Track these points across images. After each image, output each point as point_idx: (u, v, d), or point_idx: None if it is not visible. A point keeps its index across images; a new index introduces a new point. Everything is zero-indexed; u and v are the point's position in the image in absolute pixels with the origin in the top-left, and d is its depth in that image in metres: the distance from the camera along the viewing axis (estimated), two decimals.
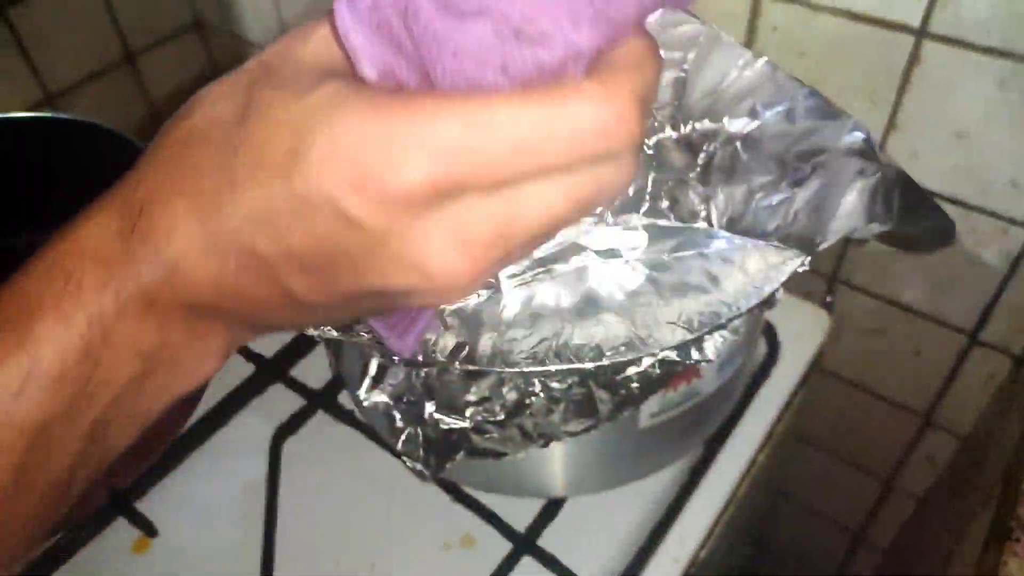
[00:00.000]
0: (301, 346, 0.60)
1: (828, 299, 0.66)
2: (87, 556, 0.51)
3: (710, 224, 0.39)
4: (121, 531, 0.52)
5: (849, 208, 0.37)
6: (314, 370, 0.59)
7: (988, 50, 0.48)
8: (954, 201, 0.56)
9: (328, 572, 0.50)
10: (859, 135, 0.37)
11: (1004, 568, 0.35)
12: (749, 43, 0.56)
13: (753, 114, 0.38)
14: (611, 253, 0.39)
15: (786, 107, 0.38)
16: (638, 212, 0.39)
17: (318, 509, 0.53)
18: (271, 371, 0.59)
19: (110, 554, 0.51)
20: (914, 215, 0.41)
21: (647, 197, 0.39)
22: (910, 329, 0.65)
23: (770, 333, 0.59)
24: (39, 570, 0.49)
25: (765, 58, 0.38)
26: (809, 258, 0.38)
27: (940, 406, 0.68)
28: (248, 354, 0.60)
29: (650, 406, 0.43)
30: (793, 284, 0.66)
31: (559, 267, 0.39)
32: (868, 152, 0.37)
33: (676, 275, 0.38)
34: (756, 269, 0.39)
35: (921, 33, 0.50)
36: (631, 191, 0.39)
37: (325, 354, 0.60)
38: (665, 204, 0.39)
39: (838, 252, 0.64)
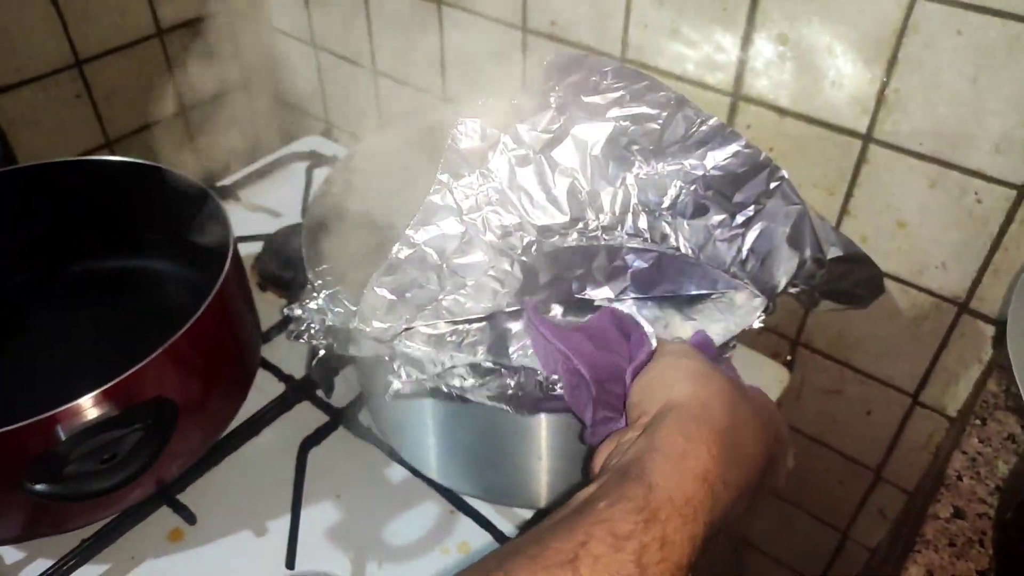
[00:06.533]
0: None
1: (788, 358, 0.74)
2: (130, 539, 0.58)
3: (678, 250, 0.49)
4: (161, 520, 0.59)
5: (789, 250, 0.47)
6: (337, 390, 0.67)
7: (920, 155, 0.59)
8: (897, 279, 0.65)
9: (342, 567, 0.57)
10: (781, 179, 0.49)
11: (906, 573, 0.43)
12: None
13: (707, 159, 0.49)
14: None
15: (731, 154, 0.49)
16: (622, 229, 0.49)
17: (336, 511, 0.60)
18: (299, 390, 0.67)
19: (149, 540, 0.59)
20: (845, 264, 0.51)
21: (629, 219, 0.49)
22: (862, 390, 0.73)
23: None
24: (88, 551, 0.56)
25: (716, 117, 0.49)
26: (768, 303, 0.48)
27: (889, 462, 0.76)
28: (279, 375, 0.69)
29: None
30: (761, 344, 0.75)
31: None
32: (789, 193, 0.48)
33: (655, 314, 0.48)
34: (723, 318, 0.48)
35: (867, 138, 0.60)
36: (617, 211, 0.49)
37: (346, 377, 0.68)
38: (643, 225, 0.49)
39: (800, 317, 0.74)
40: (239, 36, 1.07)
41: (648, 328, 0.44)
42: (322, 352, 0.52)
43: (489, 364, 0.46)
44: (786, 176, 0.49)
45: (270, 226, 0.84)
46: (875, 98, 0.58)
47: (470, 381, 0.46)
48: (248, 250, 0.82)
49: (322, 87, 1.02)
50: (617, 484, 0.35)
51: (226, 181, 0.91)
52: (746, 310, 0.49)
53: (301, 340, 0.51)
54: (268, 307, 0.76)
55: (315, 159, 0.92)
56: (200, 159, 1.11)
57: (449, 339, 0.47)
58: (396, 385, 0.46)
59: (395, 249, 0.47)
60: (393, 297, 0.46)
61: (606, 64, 0.52)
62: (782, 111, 0.63)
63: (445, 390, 0.46)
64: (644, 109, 0.51)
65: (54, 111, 0.93)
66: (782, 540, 0.92)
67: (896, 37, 0.55)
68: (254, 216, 0.88)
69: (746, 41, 0.62)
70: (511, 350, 0.46)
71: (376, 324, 0.46)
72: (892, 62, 0.56)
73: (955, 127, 0.56)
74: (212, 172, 1.13)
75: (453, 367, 0.46)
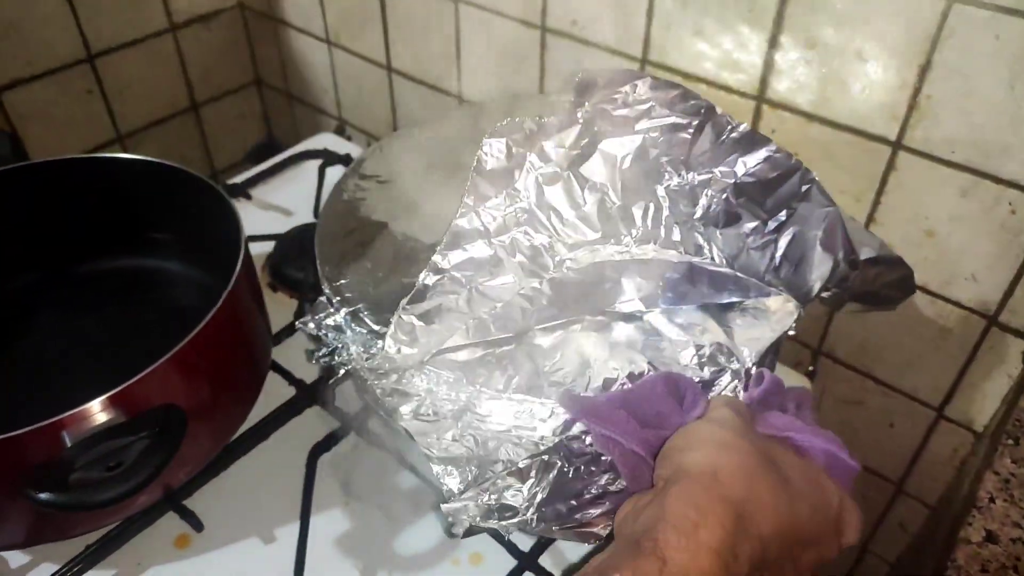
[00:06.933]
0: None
1: (811, 368, 0.73)
2: (136, 545, 0.57)
3: (713, 260, 0.47)
4: (167, 526, 0.58)
5: (821, 254, 0.45)
6: (348, 396, 0.66)
7: (952, 164, 0.57)
8: (924, 290, 0.63)
9: None
10: (812, 181, 0.47)
11: None
12: None
13: (738, 166, 0.48)
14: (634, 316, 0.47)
15: (762, 159, 0.48)
16: (656, 243, 0.47)
17: (345, 519, 0.59)
18: (310, 396, 0.66)
19: (155, 547, 0.58)
20: (877, 266, 0.49)
21: (662, 232, 0.48)
22: (885, 402, 0.71)
23: None
24: (94, 557, 0.55)
25: (745, 124, 0.48)
26: (801, 309, 0.46)
27: (911, 476, 0.74)
28: (290, 379, 0.67)
29: None
30: (782, 353, 0.73)
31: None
32: (820, 196, 0.46)
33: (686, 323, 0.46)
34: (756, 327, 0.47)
35: (897, 145, 0.59)
36: (650, 225, 0.47)
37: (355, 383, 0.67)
38: (676, 237, 0.48)
39: (823, 327, 0.72)
40: (252, 32, 1.06)
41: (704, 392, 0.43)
42: (341, 372, 0.50)
43: (531, 459, 0.43)
44: (816, 179, 0.47)
45: (282, 225, 0.83)
46: (906, 104, 0.57)
47: (526, 490, 0.43)
48: (259, 249, 0.81)
49: (336, 84, 1.00)
50: (630, 557, 0.35)
51: (237, 179, 0.89)
52: (780, 316, 0.47)
53: (323, 362, 0.49)
54: (279, 308, 0.74)
55: (328, 157, 0.91)
56: (211, 156, 1.11)
57: (480, 370, 0.45)
58: (465, 522, 0.42)
59: (422, 276, 0.46)
60: (421, 323, 0.45)
61: (637, 77, 0.51)
62: (808, 116, 0.62)
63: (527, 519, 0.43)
64: (674, 119, 0.49)
65: (65, 106, 0.92)
66: None
67: (930, 41, 0.53)
68: (266, 215, 0.87)
69: (772, 43, 0.60)
70: (545, 368, 0.45)
71: (405, 350, 0.45)
72: (925, 67, 0.54)
73: (990, 135, 0.54)
74: (223, 169, 1.12)
75: (500, 482, 0.43)
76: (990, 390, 0.64)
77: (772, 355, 0.48)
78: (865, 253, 0.48)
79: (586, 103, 0.50)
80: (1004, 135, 0.54)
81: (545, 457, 0.42)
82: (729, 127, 0.48)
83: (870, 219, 0.63)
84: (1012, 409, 0.56)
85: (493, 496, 0.42)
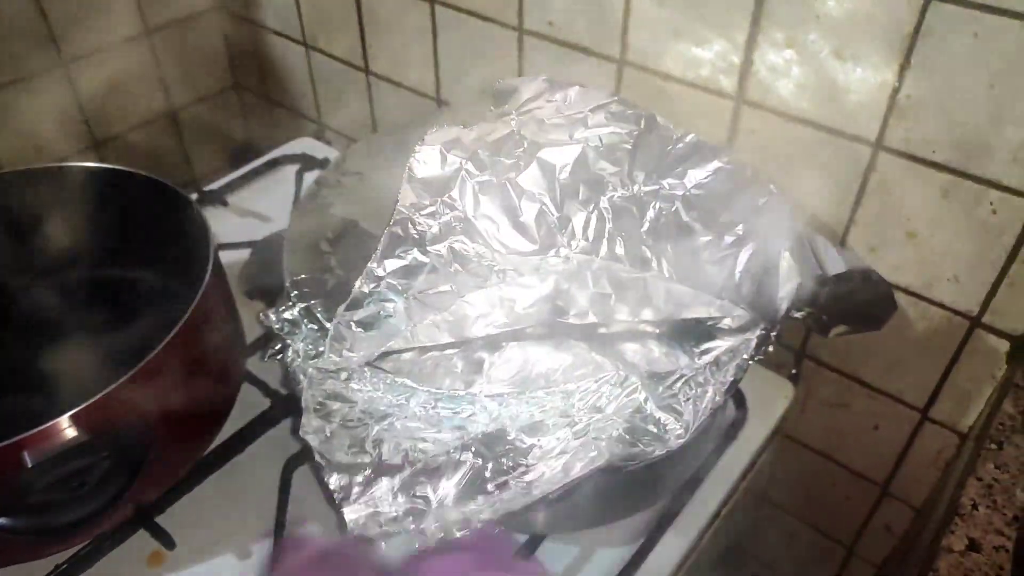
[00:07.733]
0: None
1: (794, 371, 0.72)
2: (107, 564, 0.56)
3: (663, 274, 0.46)
4: (139, 544, 0.57)
5: (787, 269, 0.44)
6: None
7: (933, 164, 0.56)
8: (907, 291, 0.62)
9: None
10: (771, 194, 0.46)
11: None
12: (730, 142, 0.64)
13: (687, 178, 0.47)
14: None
15: (713, 172, 0.47)
16: (598, 255, 0.46)
17: (320, 533, 0.58)
18: (284, 407, 0.65)
19: (127, 565, 0.56)
20: (850, 283, 0.48)
21: (604, 244, 0.46)
22: (869, 404, 0.71)
23: (739, 398, 0.65)
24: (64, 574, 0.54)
25: (693, 134, 0.47)
26: (760, 329, 0.45)
27: (896, 478, 0.74)
28: (265, 390, 0.66)
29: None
30: (767, 357, 0.72)
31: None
32: (779, 209, 0.46)
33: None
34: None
35: (877, 146, 0.58)
36: (591, 236, 0.46)
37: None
38: (620, 251, 0.47)
39: (806, 328, 0.71)
40: (229, 35, 1.04)
41: None
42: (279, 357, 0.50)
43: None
44: (775, 191, 0.46)
45: (259, 232, 0.81)
46: (886, 104, 0.56)
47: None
48: (236, 257, 0.79)
49: (314, 88, 0.99)
50: None
51: (214, 185, 0.88)
52: (749, 339, 0.46)
53: (277, 359, 0.49)
54: (255, 317, 0.73)
55: (306, 162, 0.90)
56: (190, 161, 1.09)
57: (423, 371, 0.44)
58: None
59: (358, 283, 0.45)
60: (360, 330, 0.44)
61: (566, 86, 0.50)
62: (787, 116, 0.61)
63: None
64: (613, 128, 0.48)
65: (39, 113, 0.91)
66: (787, 555, 0.89)
67: (909, 40, 0.52)
68: (243, 221, 0.85)
69: (751, 43, 0.59)
70: (489, 372, 0.44)
71: (346, 353, 0.44)
72: (904, 67, 0.54)
73: (970, 135, 0.53)
74: (199, 175, 1.10)
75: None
76: (974, 391, 0.64)
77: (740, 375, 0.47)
78: (834, 268, 0.47)
79: (512, 111, 0.49)
80: (984, 134, 0.53)
81: (458, 456, 0.42)
82: (675, 137, 0.47)
83: (851, 220, 0.62)
84: (995, 413, 0.55)
85: (402, 498, 0.42)
